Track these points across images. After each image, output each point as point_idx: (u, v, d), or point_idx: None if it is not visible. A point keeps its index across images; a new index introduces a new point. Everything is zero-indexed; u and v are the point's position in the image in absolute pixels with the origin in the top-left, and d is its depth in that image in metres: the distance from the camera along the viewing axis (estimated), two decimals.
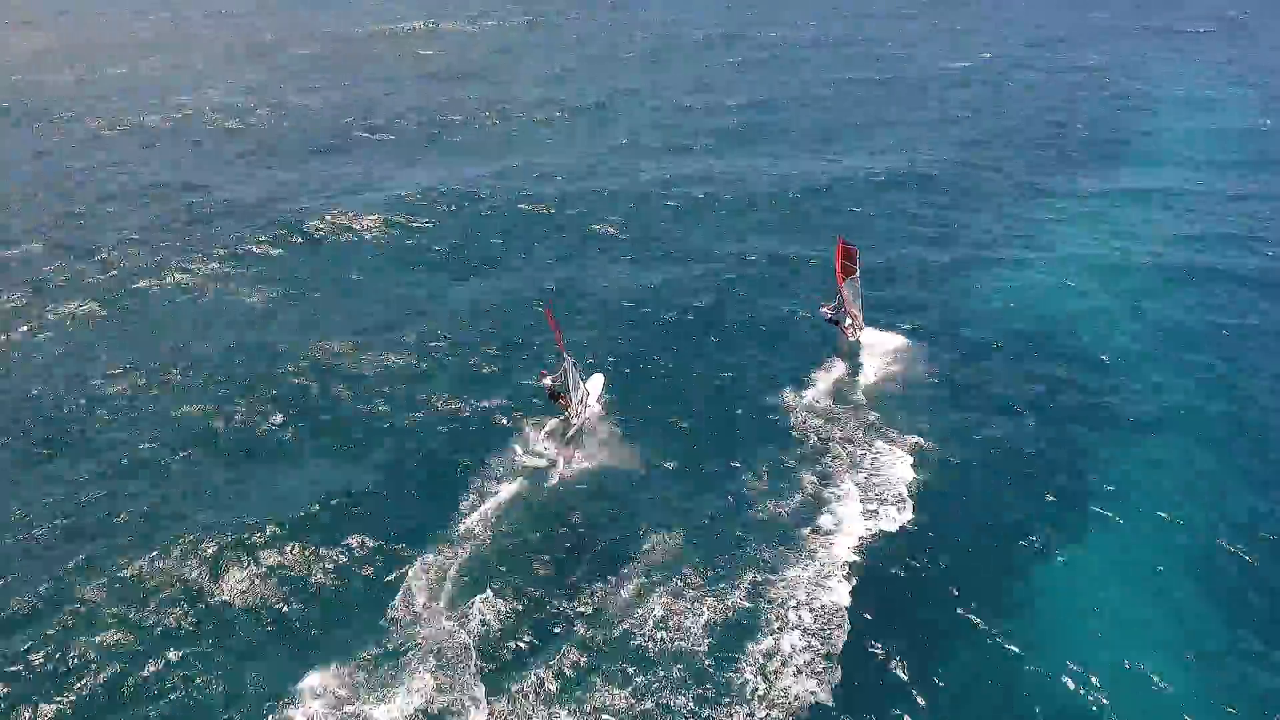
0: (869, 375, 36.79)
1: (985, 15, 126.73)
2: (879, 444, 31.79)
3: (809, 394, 35.21)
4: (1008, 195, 58.08)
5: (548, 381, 32.50)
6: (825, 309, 38.66)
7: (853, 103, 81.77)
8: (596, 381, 35.04)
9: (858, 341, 38.92)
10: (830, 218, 53.67)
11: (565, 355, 32.21)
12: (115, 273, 46.94)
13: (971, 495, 29.78)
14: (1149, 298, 43.60)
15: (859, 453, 31.30)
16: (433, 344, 39.24)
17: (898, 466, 30.57)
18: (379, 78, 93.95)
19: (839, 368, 37.46)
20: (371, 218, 53.37)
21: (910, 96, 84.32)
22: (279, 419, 34.13)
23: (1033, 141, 69.08)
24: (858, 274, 37.85)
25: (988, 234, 51.69)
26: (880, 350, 38.43)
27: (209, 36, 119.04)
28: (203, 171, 64.19)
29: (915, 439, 32.06)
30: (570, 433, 32.71)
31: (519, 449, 32.13)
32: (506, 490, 29.83)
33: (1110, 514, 28.68)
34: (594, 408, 34.09)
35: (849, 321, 38.69)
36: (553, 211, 55.54)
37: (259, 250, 49.71)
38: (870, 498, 29.10)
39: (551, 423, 33.03)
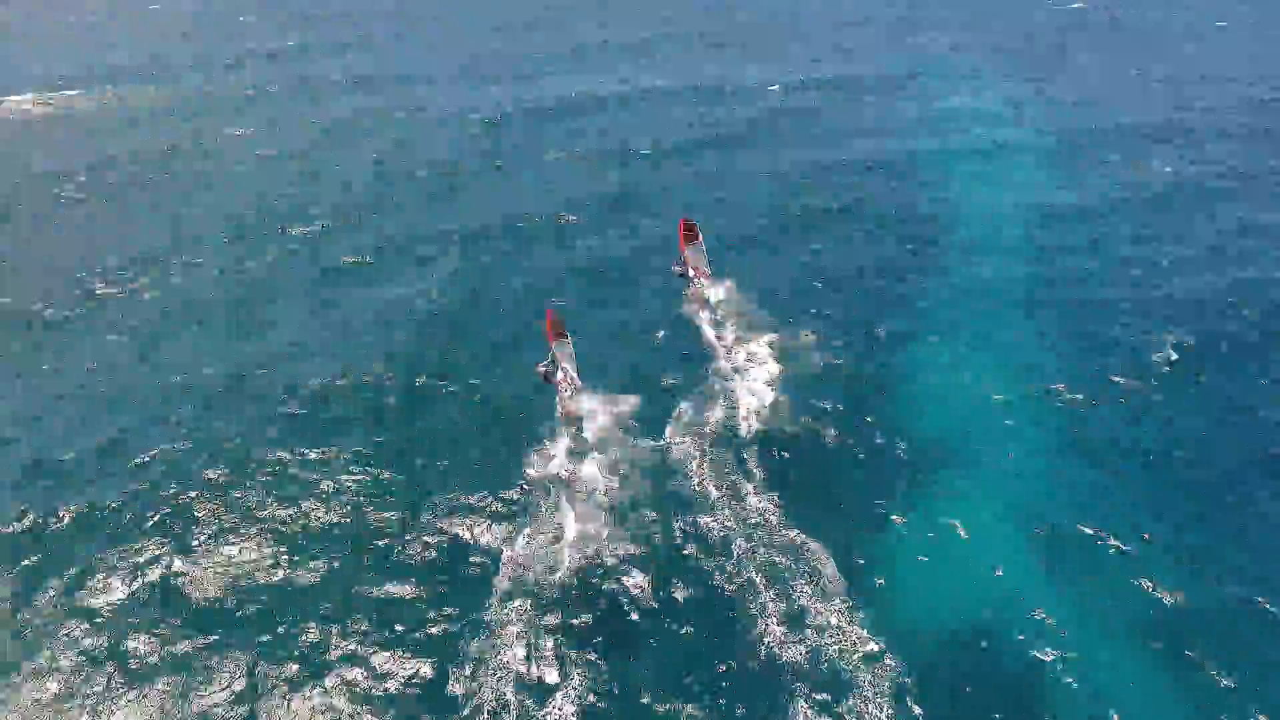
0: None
1: None
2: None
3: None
4: None
5: (541, 369, 44.92)
6: (676, 267, 55.31)
7: None
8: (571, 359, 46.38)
9: (703, 285, 55.30)
10: None
11: (552, 350, 44.72)
12: None
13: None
14: None
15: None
16: None
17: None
18: None
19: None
20: None
21: None
22: None
23: None
24: (700, 240, 54.36)
25: None
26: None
27: None
28: None
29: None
30: (565, 402, 45.22)
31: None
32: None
33: None
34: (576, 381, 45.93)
35: (692, 274, 54.94)
36: None
37: None
38: None
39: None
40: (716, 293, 55.34)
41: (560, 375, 45.27)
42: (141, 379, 50.32)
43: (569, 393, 45.33)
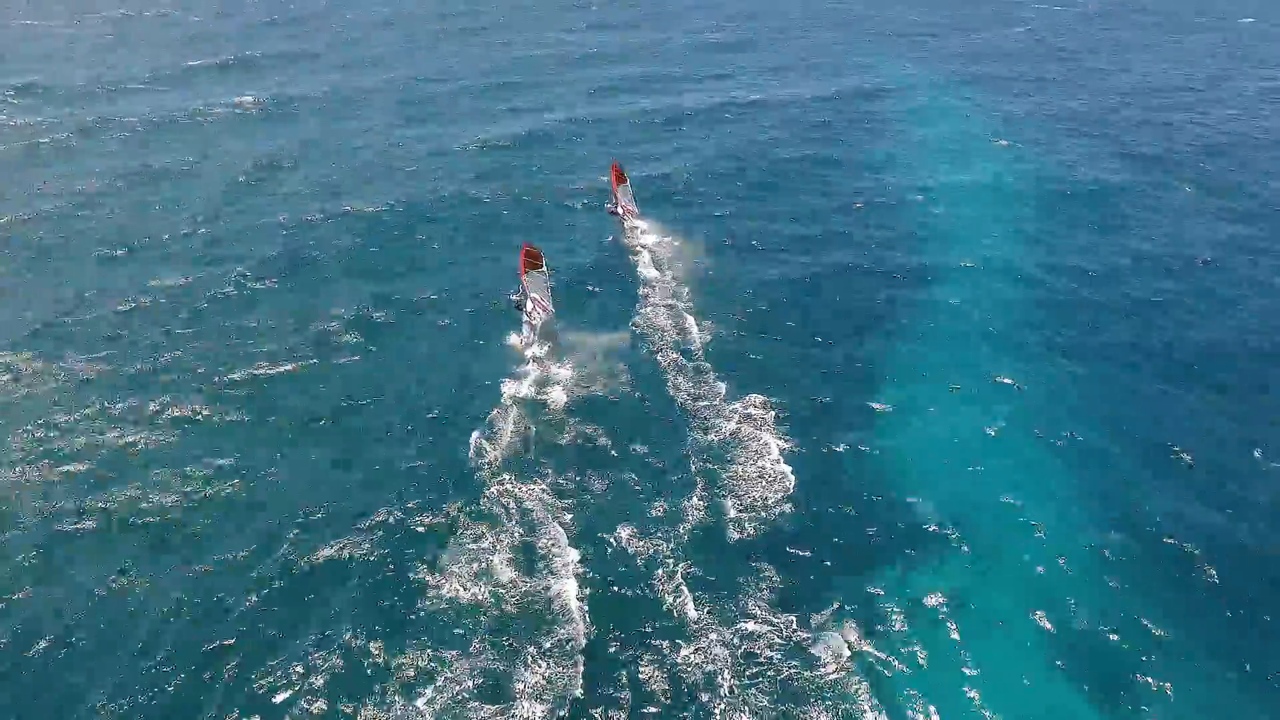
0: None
1: None
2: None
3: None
4: None
5: (514, 297, 46.19)
6: (609, 206, 60.92)
7: None
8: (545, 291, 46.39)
9: (634, 226, 60.41)
10: None
11: (523, 281, 45.14)
12: None
13: None
14: None
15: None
16: None
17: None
18: None
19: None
20: None
21: None
22: None
23: None
24: (628, 183, 59.60)
25: None
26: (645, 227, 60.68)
27: None
28: None
29: None
30: (535, 330, 46.00)
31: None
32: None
33: None
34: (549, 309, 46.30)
35: (621, 211, 60.60)
36: None
37: None
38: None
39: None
40: (645, 229, 59.71)
41: (530, 305, 45.48)
42: None
43: (540, 320, 46.00)
